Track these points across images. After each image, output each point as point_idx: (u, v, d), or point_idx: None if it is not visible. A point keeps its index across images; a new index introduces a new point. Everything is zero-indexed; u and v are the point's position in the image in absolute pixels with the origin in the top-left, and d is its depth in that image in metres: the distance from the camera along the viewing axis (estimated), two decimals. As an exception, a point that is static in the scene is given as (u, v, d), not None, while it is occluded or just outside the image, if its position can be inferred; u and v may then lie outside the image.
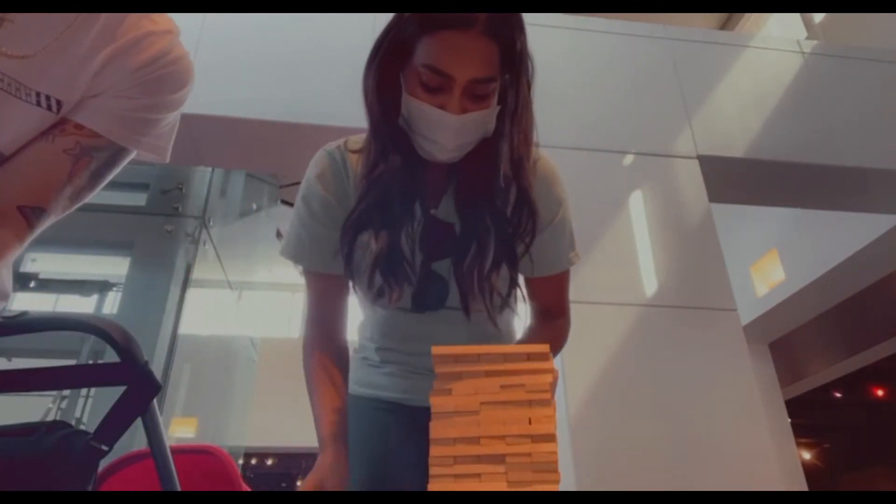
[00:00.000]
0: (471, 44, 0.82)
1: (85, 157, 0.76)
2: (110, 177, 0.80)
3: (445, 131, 0.86)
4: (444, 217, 0.97)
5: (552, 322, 1.04)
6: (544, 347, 0.69)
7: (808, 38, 4.41)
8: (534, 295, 1.04)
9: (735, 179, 2.90)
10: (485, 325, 0.97)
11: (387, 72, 0.90)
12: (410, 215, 0.95)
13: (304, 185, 1.00)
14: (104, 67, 0.75)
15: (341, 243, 0.94)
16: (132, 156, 0.81)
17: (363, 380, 1.09)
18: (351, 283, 1.01)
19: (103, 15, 0.75)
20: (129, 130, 0.78)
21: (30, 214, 0.73)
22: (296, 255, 1.00)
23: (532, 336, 1.01)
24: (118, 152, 0.79)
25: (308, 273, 1.01)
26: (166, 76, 0.78)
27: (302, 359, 1.00)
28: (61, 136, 0.75)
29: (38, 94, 0.73)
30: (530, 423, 0.64)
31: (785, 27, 4.90)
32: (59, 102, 0.74)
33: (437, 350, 0.69)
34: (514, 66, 0.88)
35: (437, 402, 0.67)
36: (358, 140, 1.00)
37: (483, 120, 0.88)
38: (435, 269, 0.98)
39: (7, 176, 0.74)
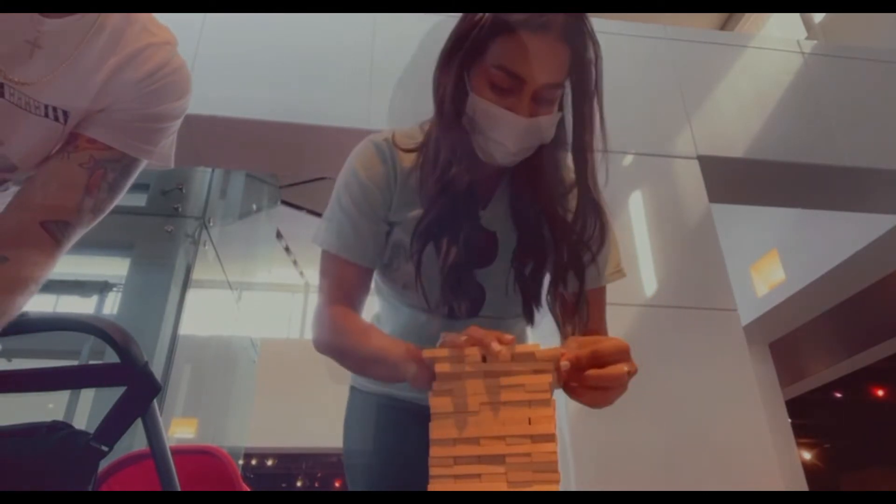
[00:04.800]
0: (547, 48, 0.81)
1: (99, 170, 0.79)
2: (127, 187, 0.84)
3: (512, 133, 0.84)
4: (487, 224, 0.94)
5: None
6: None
7: (808, 38, 4.41)
8: (583, 310, 0.93)
9: (735, 179, 2.90)
10: (513, 327, 0.95)
11: (458, 71, 0.86)
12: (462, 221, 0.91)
13: (349, 174, 0.94)
14: (108, 81, 0.78)
15: (412, 251, 0.90)
16: (144, 165, 0.85)
17: None
18: (378, 281, 0.98)
19: (107, 28, 0.78)
20: (138, 141, 0.82)
21: (54, 229, 0.76)
22: (335, 244, 0.93)
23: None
24: (131, 163, 0.83)
25: (336, 259, 0.93)
26: (167, 86, 0.81)
27: (316, 339, 0.91)
28: (75, 152, 0.79)
29: (46, 107, 0.77)
30: (530, 423, 0.64)
31: (785, 27, 4.89)
32: (65, 113, 0.78)
33: (434, 350, 0.69)
34: (580, 73, 0.86)
35: (436, 403, 0.67)
36: (406, 137, 0.95)
37: (548, 125, 0.87)
38: (477, 277, 0.94)
39: (27, 195, 0.77)
